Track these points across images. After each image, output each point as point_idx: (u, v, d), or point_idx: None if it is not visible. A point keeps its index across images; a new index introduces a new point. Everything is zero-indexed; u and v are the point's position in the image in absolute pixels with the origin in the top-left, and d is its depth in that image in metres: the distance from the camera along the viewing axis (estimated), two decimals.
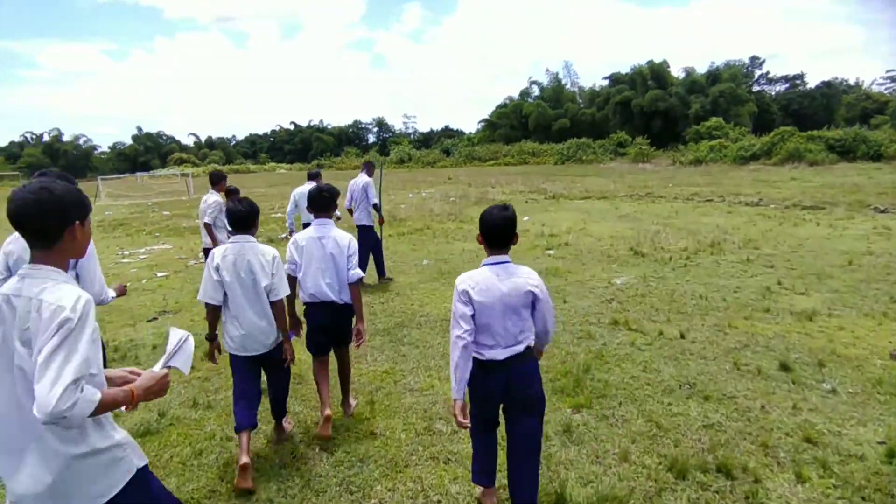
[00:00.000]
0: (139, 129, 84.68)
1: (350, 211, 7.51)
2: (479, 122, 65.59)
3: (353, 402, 3.96)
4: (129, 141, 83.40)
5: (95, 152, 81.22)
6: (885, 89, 56.67)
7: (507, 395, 2.48)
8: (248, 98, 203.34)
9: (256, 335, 3.17)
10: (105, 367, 1.92)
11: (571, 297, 6.53)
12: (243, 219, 3.21)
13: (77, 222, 1.66)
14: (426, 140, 79.93)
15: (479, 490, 2.84)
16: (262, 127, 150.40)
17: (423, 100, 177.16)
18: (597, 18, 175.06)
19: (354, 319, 3.65)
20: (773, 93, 60.04)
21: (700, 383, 4.04)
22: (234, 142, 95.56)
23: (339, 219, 5.20)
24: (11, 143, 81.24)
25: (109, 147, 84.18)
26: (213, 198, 6.24)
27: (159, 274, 9.12)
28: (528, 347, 2.49)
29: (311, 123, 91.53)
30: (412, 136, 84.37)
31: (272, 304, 3.16)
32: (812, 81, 58.07)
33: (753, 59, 57.51)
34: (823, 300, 5.92)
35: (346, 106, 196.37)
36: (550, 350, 4.84)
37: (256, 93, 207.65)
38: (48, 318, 1.49)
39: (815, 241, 9.09)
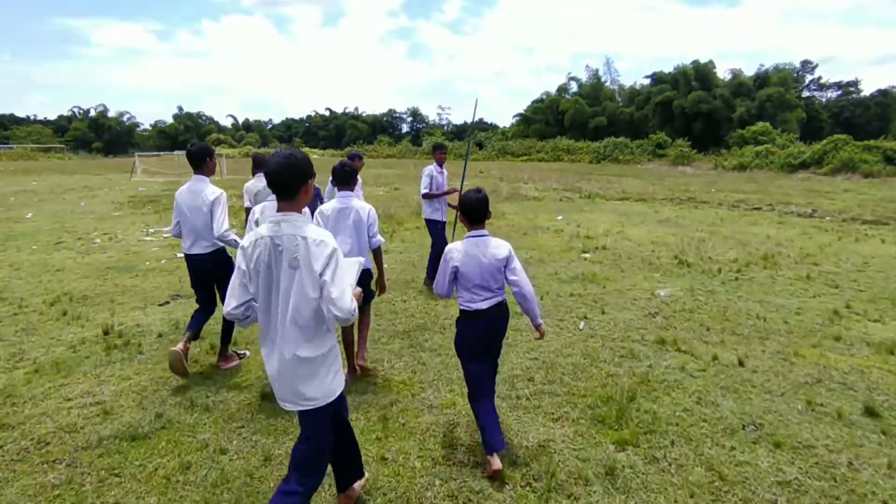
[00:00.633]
0: (180, 108, 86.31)
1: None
2: (514, 116, 64.61)
3: (366, 353, 4.28)
4: (170, 120, 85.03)
5: (138, 129, 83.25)
6: None
7: (485, 335, 3.17)
8: (287, 82, 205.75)
9: None
10: None
11: (610, 307, 5.96)
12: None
13: (309, 181, 2.21)
14: (459, 132, 79.35)
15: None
16: (299, 112, 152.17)
17: (459, 91, 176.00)
18: (642, 16, 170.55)
19: (375, 280, 4.16)
20: (824, 99, 57.45)
21: (768, 424, 3.45)
22: (270, 125, 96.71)
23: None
24: (60, 116, 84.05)
25: (151, 125, 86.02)
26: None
27: (179, 255, 8.86)
28: (503, 301, 3.17)
29: (347, 110, 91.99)
30: (445, 128, 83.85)
31: None
32: (867, 89, 55.13)
33: (805, 63, 55.02)
34: None
35: (382, 94, 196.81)
36: (588, 369, 4.30)
37: (295, 78, 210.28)
38: (317, 249, 2.10)
39: (882, 259, 8.24)
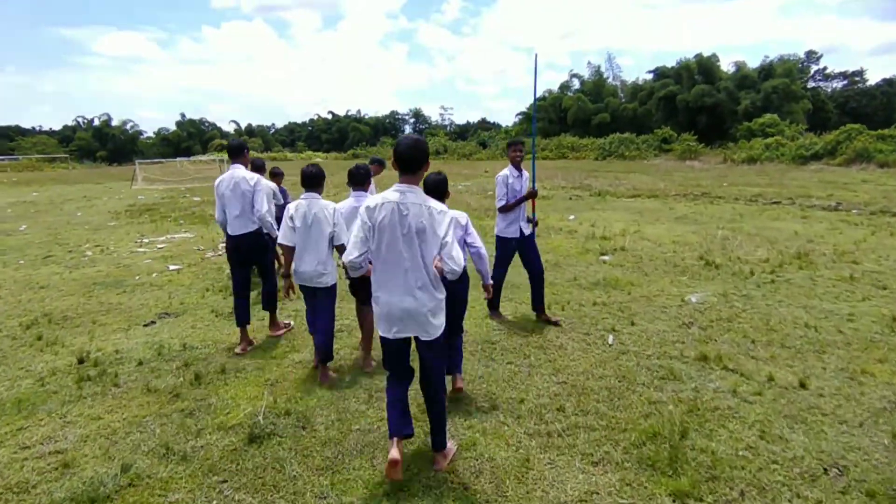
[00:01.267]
0: (182, 115, 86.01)
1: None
2: (517, 115, 64.02)
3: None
4: (173, 127, 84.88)
5: (141, 137, 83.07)
6: None
7: None
8: (289, 87, 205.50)
9: (312, 273, 4.08)
10: None
11: (640, 317, 5.39)
12: (313, 178, 4.12)
13: (428, 162, 2.76)
14: (462, 132, 78.82)
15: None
16: (301, 116, 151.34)
17: (461, 92, 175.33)
18: (642, 11, 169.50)
19: None
20: (829, 90, 56.53)
21: (853, 467, 2.88)
22: (273, 130, 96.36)
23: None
24: (65, 126, 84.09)
25: (154, 132, 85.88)
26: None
27: (172, 267, 8.35)
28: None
29: (349, 113, 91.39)
30: (448, 128, 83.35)
31: (336, 247, 4.07)
32: (872, 78, 54.23)
33: (809, 53, 54.07)
34: None
35: (384, 96, 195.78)
36: (625, 395, 3.74)
37: (296, 82, 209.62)
38: (440, 216, 2.66)
39: None
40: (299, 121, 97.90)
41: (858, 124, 29.28)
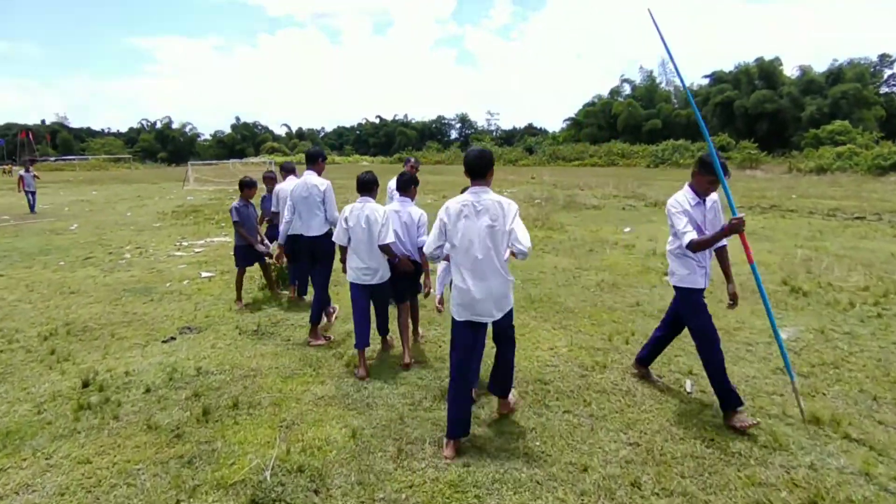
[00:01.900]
0: (237, 118, 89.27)
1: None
2: (565, 120, 62.66)
3: (421, 332, 5.09)
4: (228, 130, 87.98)
5: (199, 139, 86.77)
6: None
7: None
8: (339, 91, 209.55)
9: (366, 269, 4.31)
10: None
11: None
12: (366, 184, 4.38)
13: (492, 168, 3.26)
14: (509, 138, 78.01)
15: None
16: (350, 119, 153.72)
17: (507, 97, 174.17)
18: (699, 14, 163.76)
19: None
20: None
21: None
22: (322, 133, 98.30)
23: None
24: (130, 129, 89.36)
25: (211, 135, 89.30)
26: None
27: (204, 274, 8.02)
28: None
29: (396, 117, 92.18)
30: (494, 133, 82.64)
31: (380, 246, 4.21)
32: None
33: (883, 56, 50.21)
34: None
35: (431, 101, 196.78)
36: (718, 468, 2.95)
37: (346, 86, 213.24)
38: (508, 209, 3.10)
39: None
40: (348, 124, 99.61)
41: None
